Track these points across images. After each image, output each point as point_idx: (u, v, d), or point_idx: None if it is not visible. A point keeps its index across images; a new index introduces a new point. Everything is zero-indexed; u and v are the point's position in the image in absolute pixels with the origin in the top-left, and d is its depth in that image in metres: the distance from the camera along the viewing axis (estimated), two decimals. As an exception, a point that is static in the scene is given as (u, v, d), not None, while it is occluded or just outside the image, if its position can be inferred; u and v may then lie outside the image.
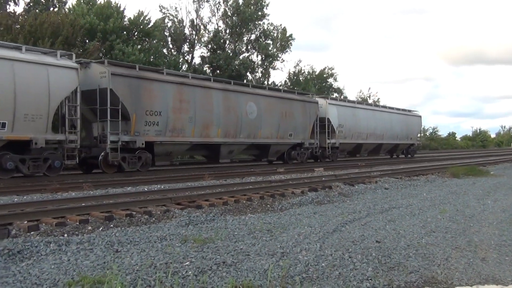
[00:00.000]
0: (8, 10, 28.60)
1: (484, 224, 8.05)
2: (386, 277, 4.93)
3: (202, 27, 42.67)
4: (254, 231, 7.06)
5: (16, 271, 4.86)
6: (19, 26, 25.65)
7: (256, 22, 43.41)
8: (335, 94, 52.33)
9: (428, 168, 21.71)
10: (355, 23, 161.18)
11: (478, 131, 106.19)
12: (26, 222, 7.10)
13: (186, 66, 39.85)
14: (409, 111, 39.83)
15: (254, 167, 21.71)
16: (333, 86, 56.41)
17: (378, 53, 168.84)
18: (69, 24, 26.71)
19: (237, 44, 42.91)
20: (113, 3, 31.87)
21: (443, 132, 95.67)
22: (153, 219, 8.10)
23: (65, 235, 6.74)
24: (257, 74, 45.21)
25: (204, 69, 40.49)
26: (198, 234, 6.78)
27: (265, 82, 44.40)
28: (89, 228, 7.20)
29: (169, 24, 40.89)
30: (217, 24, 43.53)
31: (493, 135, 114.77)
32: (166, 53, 38.80)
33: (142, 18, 33.09)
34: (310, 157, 26.93)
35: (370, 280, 4.80)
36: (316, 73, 54.98)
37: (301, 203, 10.40)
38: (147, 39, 33.91)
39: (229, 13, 42.40)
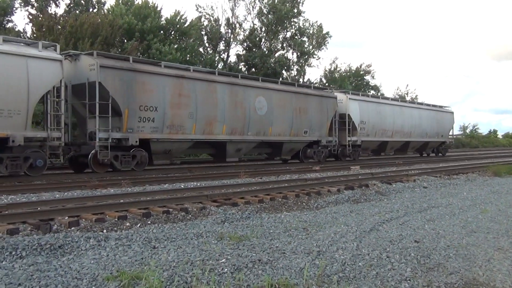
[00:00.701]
0: (49, 12, 29.41)
1: (528, 224, 7.77)
2: (425, 278, 4.82)
3: (237, 25, 42.89)
4: (289, 229, 7.03)
5: (58, 265, 4.98)
6: (60, 27, 26.37)
7: (292, 20, 43.26)
8: (372, 92, 51.58)
9: (468, 166, 21.14)
10: (393, 19, 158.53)
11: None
12: (67, 217, 7.29)
13: (222, 64, 40.12)
14: (440, 107, 37.67)
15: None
16: (369, 83, 55.76)
17: (417, 49, 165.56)
18: (108, 25, 27.34)
19: (272, 42, 42.89)
20: (150, 3, 32.42)
21: (483, 130, 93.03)
22: (190, 216, 8.18)
23: (104, 230, 6.88)
24: (292, 71, 45.08)
25: (240, 67, 40.66)
26: (233, 231, 6.80)
27: (300, 80, 44.21)
28: (127, 224, 7.33)
29: (205, 23, 41.26)
30: (253, 22, 43.68)
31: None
32: (202, 51, 39.16)
33: (178, 17, 33.54)
34: (328, 156, 25.65)
35: (409, 281, 4.70)
36: (353, 70, 54.40)
37: (337, 202, 10.30)
38: (183, 38, 34.31)
39: (264, 11, 42.41)
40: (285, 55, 43.98)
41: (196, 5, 51.61)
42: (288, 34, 44.25)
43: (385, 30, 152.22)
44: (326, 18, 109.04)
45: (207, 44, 41.47)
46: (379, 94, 48.20)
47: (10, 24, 31.18)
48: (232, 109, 19.47)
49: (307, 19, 45.47)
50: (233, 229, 7.03)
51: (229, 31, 42.43)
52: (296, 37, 44.17)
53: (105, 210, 7.90)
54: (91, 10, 32.81)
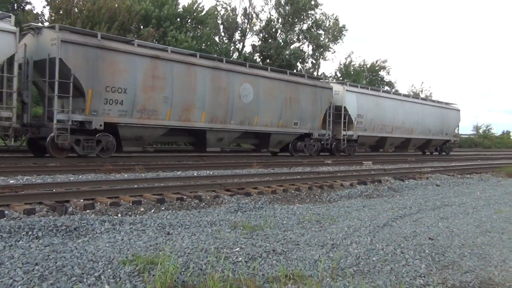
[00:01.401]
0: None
1: (543, 227, 7.69)
2: (440, 275, 4.80)
3: (254, 15, 42.75)
4: (303, 221, 7.03)
5: (73, 247, 5.02)
6: (77, 10, 26.47)
7: (309, 12, 43.03)
8: (386, 87, 51.25)
9: (482, 166, 20.97)
10: (411, 15, 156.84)
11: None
12: (82, 200, 7.34)
13: (237, 54, 40.07)
14: (446, 103, 35.98)
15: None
16: (384, 79, 55.38)
17: (434, 47, 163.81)
18: (125, 10, 27.40)
19: (288, 33, 42.70)
20: (168, -10, 32.37)
21: (497, 131, 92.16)
22: (203, 204, 8.20)
23: (119, 215, 6.93)
24: (307, 64, 44.92)
25: (255, 57, 40.58)
26: (247, 221, 6.82)
27: (315, 73, 44.02)
28: (142, 209, 7.36)
29: (222, 12, 41.17)
30: (270, 13, 43.52)
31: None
32: (217, 41, 39.12)
33: (195, 5, 33.47)
34: (321, 150, 24.34)
35: (424, 278, 4.68)
36: (368, 65, 54.07)
37: (350, 196, 10.28)
38: (199, 27, 34.27)
39: (282, 2, 42.20)
40: (301, 48, 43.83)
41: (213, -6, 51.45)
42: (305, 26, 44.09)
43: (402, 26, 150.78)
44: (343, 11, 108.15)
45: (223, 34, 41.43)
46: (394, 90, 47.81)
47: (28, 7, 31.38)
48: (213, 95, 18.14)
49: (324, 12, 45.19)
50: (247, 218, 7.05)
51: (246, 21, 42.37)
52: (312, 29, 43.94)
53: (120, 194, 7.95)
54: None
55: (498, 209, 9.31)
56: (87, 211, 6.92)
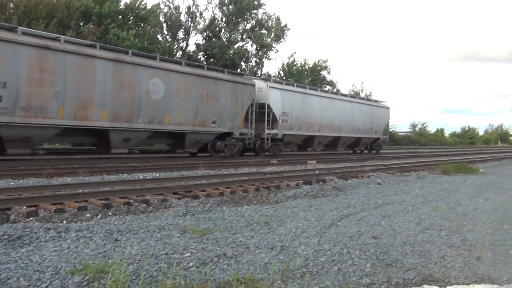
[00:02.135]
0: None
1: (477, 223, 8.16)
2: (384, 273, 5.01)
3: (198, 14, 42.50)
4: (251, 223, 7.12)
5: (17, 257, 4.87)
6: (13, 5, 25.37)
7: (252, 11, 43.28)
8: (328, 87, 52.32)
9: (419, 164, 21.89)
10: (352, 15, 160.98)
11: (466, 128, 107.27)
12: (24, 207, 7.09)
13: (181, 53, 39.70)
14: (375, 101, 35.90)
15: (247, 158, 21.54)
16: (326, 79, 56.47)
17: (373, 46, 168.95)
18: (64, 6, 26.53)
19: (232, 33, 42.77)
20: (109, -14, 31.57)
21: (432, 128, 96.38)
22: (151, 208, 8.12)
23: (64, 222, 6.74)
24: (251, 63, 45.14)
25: (199, 57, 40.37)
26: (196, 224, 6.83)
27: (259, 72, 44.33)
28: (88, 215, 7.20)
29: (165, 10, 40.65)
30: (213, 12, 43.39)
31: (481, 133, 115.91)
32: (160, 39, 38.60)
33: (138, 3, 32.85)
34: (245, 150, 22.92)
35: (369, 276, 4.88)
36: (310, 65, 54.95)
37: (296, 196, 10.46)
38: (142, 25, 33.69)
39: (226, 1, 42.20)
40: (245, 47, 44.00)
41: (156, -9, 50.68)
42: (248, 26, 44.29)
43: (344, 28, 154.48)
44: (286, 12, 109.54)
45: (166, 32, 40.94)
46: (335, 89, 48.88)
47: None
48: (116, 91, 16.08)
49: (266, 12, 45.51)
50: (196, 222, 7.05)
51: (189, 19, 42.02)
52: (256, 29, 44.23)
53: (64, 200, 7.73)
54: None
55: (436, 206, 9.77)
56: (31, 218, 6.70)
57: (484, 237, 7.03)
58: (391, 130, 69.98)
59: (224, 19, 42.80)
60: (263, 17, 44.80)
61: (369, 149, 34.64)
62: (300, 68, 52.84)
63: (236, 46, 42.64)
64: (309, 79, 52.22)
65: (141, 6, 33.10)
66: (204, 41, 41.89)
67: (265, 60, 46.87)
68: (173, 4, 41.26)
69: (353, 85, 73.80)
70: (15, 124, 13.52)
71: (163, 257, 5.04)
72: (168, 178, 11.73)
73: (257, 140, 23.02)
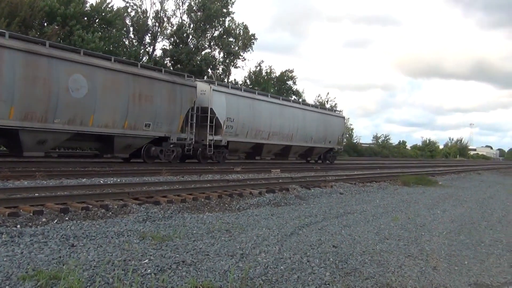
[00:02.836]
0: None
1: (434, 233, 8.34)
2: (343, 282, 5.04)
3: (166, 19, 42.24)
4: (212, 231, 7.05)
5: (-34, 262, 4.67)
6: (-27, 3, 24.62)
7: (220, 19, 43.31)
8: (294, 97, 52.71)
9: (381, 175, 22.26)
10: (318, 29, 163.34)
11: (427, 141, 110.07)
12: (-24, 210, 6.83)
13: (147, 57, 39.30)
14: (330, 109, 34.83)
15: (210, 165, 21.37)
16: (292, 88, 56.91)
17: (339, 59, 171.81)
18: (28, 6, 25.91)
19: (200, 39, 42.67)
20: (75, -13, 31.03)
21: (394, 140, 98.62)
22: (110, 213, 7.95)
23: (18, 226, 6.52)
24: (218, 71, 45.10)
25: (165, 62, 40.05)
26: (156, 231, 6.72)
27: (225, 80, 44.31)
28: (43, 220, 6.99)
29: (132, 13, 40.22)
30: (181, 18, 43.20)
31: (441, 146, 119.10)
32: (127, 43, 38.14)
33: (104, 5, 32.40)
34: (184, 157, 21.63)
35: (328, 285, 4.89)
36: (277, 75, 55.31)
37: (258, 204, 10.46)
38: (108, 28, 33.22)
39: (194, 8, 42.12)
40: (212, 54, 43.94)
41: (123, -6, 50.08)
42: (216, 33, 44.27)
43: (312, 39, 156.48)
44: (254, 22, 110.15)
45: (132, 36, 40.49)
46: (301, 100, 49.27)
47: None
48: (28, 86, 14.23)
49: (233, 18, 45.57)
50: (156, 228, 6.94)
51: (157, 24, 41.71)
52: (224, 37, 44.27)
53: (19, 204, 7.48)
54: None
55: (395, 217, 9.94)
56: (-18, 222, 6.44)
57: (441, 247, 7.18)
58: (354, 141, 71.28)
59: (192, 26, 42.68)
60: (231, 25, 44.90)
61: (322, 159, 33.40)
62: (266, 77, 53.13)
63: (203, 52, 42.55)
64: (276, 88, 52.53)
65: (107, 9, 32.65)
66: (171, 46, 41.63)
67: (232, 68, 46.95)
68: (140, 8, 40.88)
69: (318, 96, 74.73)
70: None
71: (120, 263, 4.92)
72: (129, 183, 11.52)
73: (199, 146, 21.79)
